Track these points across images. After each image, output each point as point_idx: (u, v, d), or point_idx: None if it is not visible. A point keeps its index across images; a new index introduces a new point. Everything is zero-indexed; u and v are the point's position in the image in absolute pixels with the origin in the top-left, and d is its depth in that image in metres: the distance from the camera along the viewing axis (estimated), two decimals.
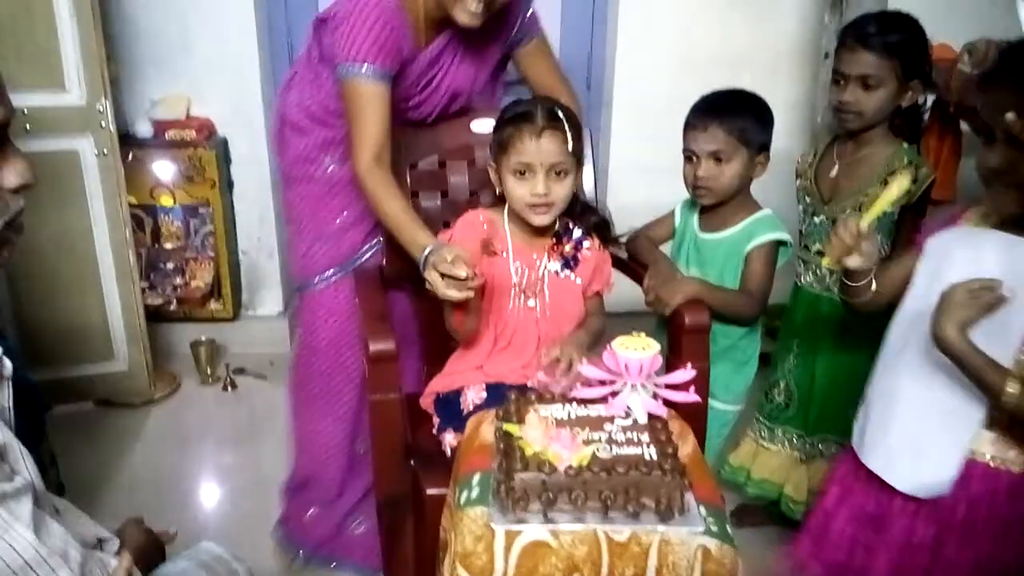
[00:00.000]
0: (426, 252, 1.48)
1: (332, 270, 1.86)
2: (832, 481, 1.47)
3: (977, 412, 1.24)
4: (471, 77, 1.80)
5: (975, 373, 1.18)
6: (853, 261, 1.35)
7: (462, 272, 1.39)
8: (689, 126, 1.70)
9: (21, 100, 2.27)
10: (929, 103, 2.18)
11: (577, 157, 1.55)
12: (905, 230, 1.77)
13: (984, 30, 2.32)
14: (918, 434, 1.29)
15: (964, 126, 2.37)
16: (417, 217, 1.61)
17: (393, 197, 1.62)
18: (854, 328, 1.80)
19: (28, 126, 2.28)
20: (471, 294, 1.42)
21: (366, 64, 1.59)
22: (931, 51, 1.82)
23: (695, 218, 1.80)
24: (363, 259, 1.87)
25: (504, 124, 1.56)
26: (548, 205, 1.53)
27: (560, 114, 1.52)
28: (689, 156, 1.70)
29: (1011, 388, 1.15)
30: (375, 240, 1.86)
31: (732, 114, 1.66)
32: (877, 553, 1.34)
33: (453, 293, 1.41)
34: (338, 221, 1.85)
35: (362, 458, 1.95)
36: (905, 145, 1.78)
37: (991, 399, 1.19)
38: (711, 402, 1.77)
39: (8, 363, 1.05)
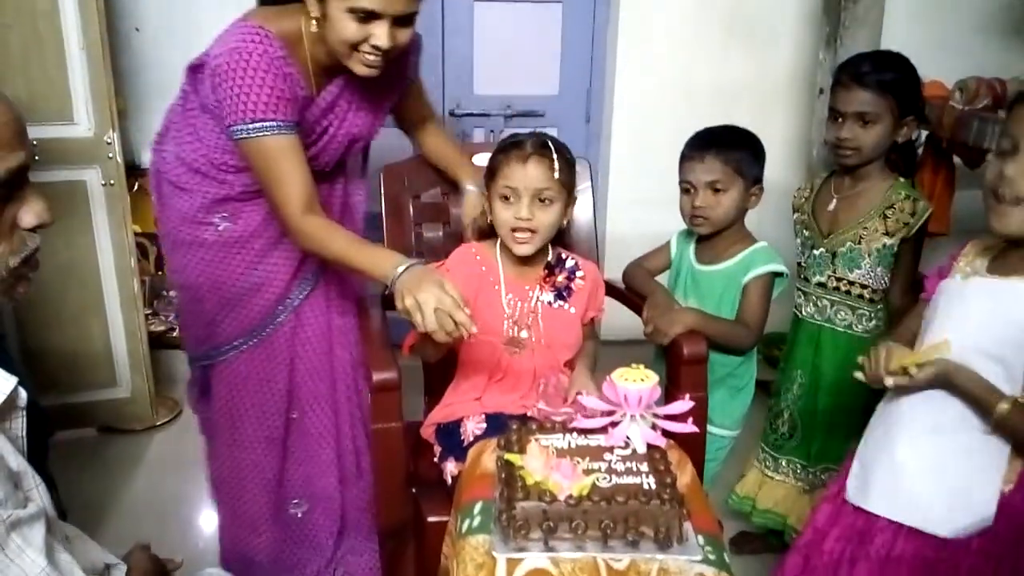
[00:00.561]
0: (400, 269, 1.41)
1: (241, 339, 1.73)
2: (824, 499, 1.48)
3: (1002, 445, 1.24)
4: (369, 122, 1.71)
5: (969, 391, 1.22)
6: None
7: (461, 316, 1.35)
8: (686, 158, 1.75)
9: (31, 132, 2.29)
10: (922, 139, 2.23)
11: (566, 187, 1.57)
12: (904, 261, 1.81)
13: (974, 68, 2.38)
14: (945, 478, 1.27)
15: (957, 160, 2.42)
16: (370, 242, 1.54)
17: (336, 233, 1.53)
18: (854, 359, 1.82)
19: (37, 157, 2.31)
20: (450, 340, 1.38)
21: (267, 121, 1.48)
22: (923, 88, 1.87)
23: (691, 250, 1.84)
24: (278, 322, 1.73)
25: (496, 152, 1.60)
26: (531, 232, 1.55)
27: (549, 143, 1.56)
28: (686, 187, 1.74)
29: (1003, 405, 1.18)
30: (290, 299, 1.73)
31: (728, 146, 1.70)
32: (859, 565, 1.35)
33: (441, 335, 1.36)
34: (242, 284, 1.69)
35: (301, 521, 1.85)
36: (901, 180, 1.82)
37: (984, 416, 1.21)
38: (713, 430, 1.81)
39: (24, 393, 1.07)
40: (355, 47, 1.48)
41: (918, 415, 1.30)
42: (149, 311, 2.95)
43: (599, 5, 3.10)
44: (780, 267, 1.74)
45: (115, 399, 2.68)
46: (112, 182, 2.49)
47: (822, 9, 2.66)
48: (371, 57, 1.49)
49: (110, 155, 2.45)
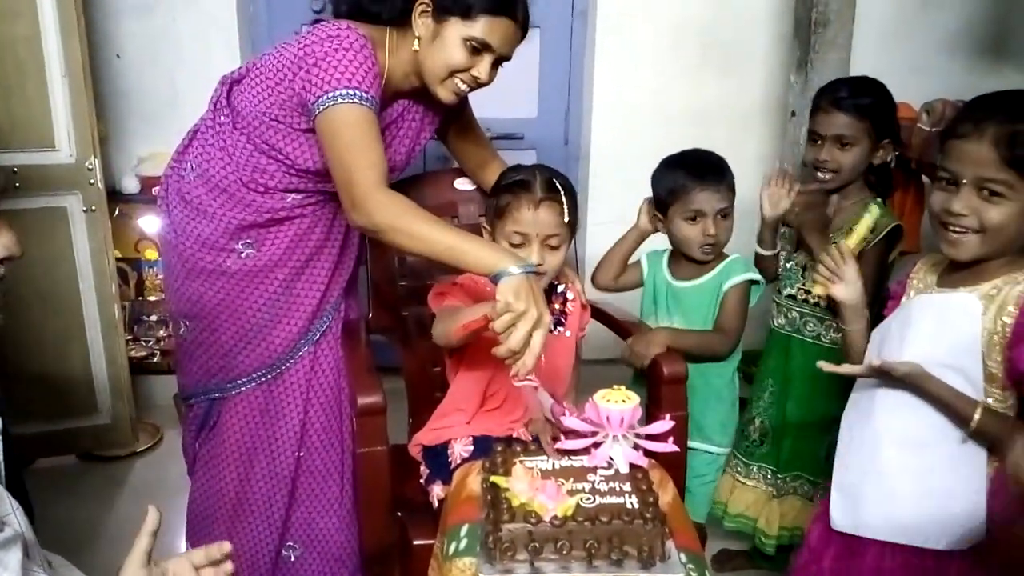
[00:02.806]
0: (522, 269, 1.31)
1: (260, 372, 1.70)
2: (816, 518, 1.50)
3: (980, 451, 1.26)
4: (407, 152, 1.72)
5: (941, 398, 1.24)
6: (839, 291, 1.43)
7: (532, 359, 1.28)
8: (695, 188, 1.77)
9: (12, 159, 2.33)
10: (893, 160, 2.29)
11: (572, 228, 1.57)
12: (861, 275, 1.85)
13: (941, 90, 2.45)
14: (933, 493, 1.29)
15: (925, 180, 2.48)
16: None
17: (431, 219, 1.39)
18: (822, 371, 1.87)
19: (18, 183, 2.32)
20: (503, 359, 1.31)
21: (360, 90, 1.44)
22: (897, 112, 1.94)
23: (664, 269, 1.89)
24: (299, 355, 1.71)
25: (503, 190, 1.57)
26: (539, 275, 1.54)
27: (558, 185, 1.54)
28: (694, 216, 1.78)
29: (976, 414, 1.21)
30: (312, 332, 1.71)
31: (727, 171, 1.79)
32: None
33: (504, 350, 1.28)
34: (263, 315, 1.66)
35: (292, 566, 1.80)
36: (877, 200, 1.87)
37: (960, 425, 1.24)
38: (707, 447, 1.86)
39: None
40: (454, 73, 1.52)
41: (894, 431, 1.32)
42: (130, 337, 2.94)
43: (576, 29, 3.14)
44: (756, 275, 1.82)
45: (96, 425, 2.67)
46: (93, 208, 2.48)
47: (793, 33, 2.73)
48: (463, 86, 1.55)
49: (91, 181, 2.45)
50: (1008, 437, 1.17)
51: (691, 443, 1.83)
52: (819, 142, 1.84)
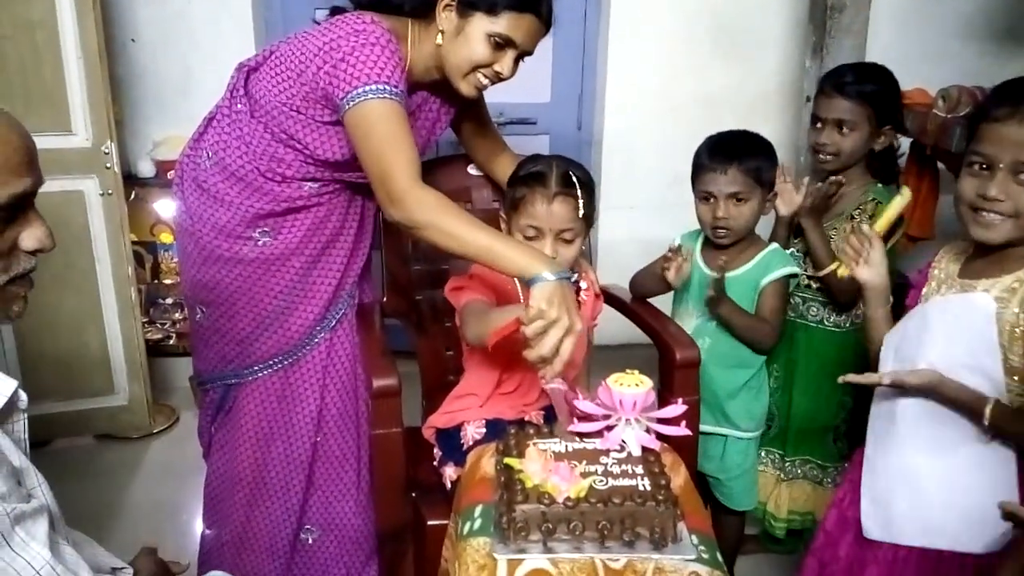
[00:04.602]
0: (557, 276, 1.33)
1: (277, 359, 1.71)
2: (832, 505, 1.51)
3: (1008, 452, 1.26)
4: (423, 143, 1.72)
5: (957, 398, 1.24)
6: (864, 273, 1.40)
7: (559, 366, 1.32)
8: (706, 168, 1.76)
9: None
10: (905, 147, 2.28)
11: (588, 220, 1.56)
12: None
13: (956, 76, 2.44)
14: (964, 496, 1.28)
15: (941, 166, 2.47)
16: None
17: (454, 206, 1.42)
18: (827, 355, 1.90)
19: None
20: (532, 363, 1.34)
21: (390, 85, 1.44)
22: (903, 99, 1.93)
23: (699, 255, 1.86)
24: (315, 342, 1.71)
25: (518, 182, 1.57)
26: (574, 283, 1.55)
27: (574, 179, 1.52)
28: (706, 197, 1.76)
29: (988, 409, 1.21)
30: (328, 319, 1.72)
31: (747, 156, 1.73)
32: (869, 568, 1.37)
33: (535, 355, 1.31)
34: (280, 302, 1.67)
35: (310, 548, 1.81)
36: (879, 185, 1.88)
37: (977, 423, 1.23)
38: (739, 434, 1.86)
39: (24, 395, 1.09)
40: (476, 68, 1.53)
41: (919, 439, 1.31)
42: (146, 319, 2.97)
43: (590, 15, 3.13)
44: (796, 269, 1.81)
45: (112, 407, 2.70)
46: (110, 192, 2.51)
47: (808, 18, 2.71)
48: (485, 81, 1.55)
49: (108, 165, 2.48)
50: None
51: (720, 430, 1.85)
52: (820, 125, 1.85)
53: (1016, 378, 1.23)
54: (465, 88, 1.56)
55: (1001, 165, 1.19)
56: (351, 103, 1.44)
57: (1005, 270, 1.24)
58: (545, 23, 1.54)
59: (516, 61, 1.55)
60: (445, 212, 1.40)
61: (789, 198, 1.85)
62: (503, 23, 1.48)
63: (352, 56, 1.44)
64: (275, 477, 1.76)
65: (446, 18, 1.53)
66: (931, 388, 1.26)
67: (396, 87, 1.45)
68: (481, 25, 1.49)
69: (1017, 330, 1.21)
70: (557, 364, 1.31)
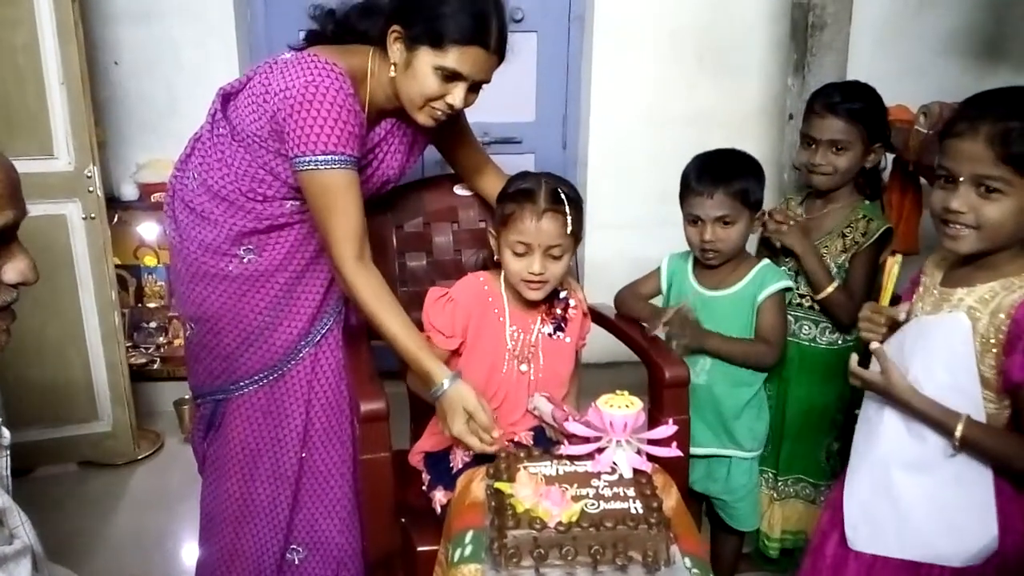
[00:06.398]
0: (445, 387, 1.46)
1: (262, 374, 1.72)
2: (827, 504, 1.52)
3: (984, 468, 1.26)
4: (401, 165, 1.74)
5: (927, 414, 1.26)
6: (875, 345, 1.39)
7: (495, 434, 1.44)
8: (693, 191, 1.75)
9: None
10: (888, 163, 2.30)
11: (576, 237, 1.57)
12: (853, 277, 1.85)
13: (937, 92, 2.46)
14: (944, 510, 1.29)
15: (923, 181, 2.49)
16: (421, 336, 1.55)
17: (391, 310, 1.52)
18: (819, 372, 1.90)
19: None
20: (488, 449, 1.44)
21: (336, 155, 1.48)
22: (889, 113, 1.94)
23: (690, 275, 1.86)
24: (299, 357, 1.73)
25: (508, 199, 1.57)
26: (542, 283, 1.56)
27: (563, 196, 1.53)
28: (694, 220, 1.76)
29: (960, 426, 1.22)
30: (312, 335, 1.74)
31: (734, 178, 1.73)
32: (850, 566, 1.37)
33: (475, 442, 1.44)
34: (265, 318, 1.69)
35: (297, 569, 1.81)
36: (867, 202, 1.89)
37: (947, 435, 1.25)
38: (743, 455, 1.85)
39: (7, 432, 1.08)
40: (429, 101, 1.53)
41: (899, 456, 1.32)
42: (129, 343, 2.94)
43: (574, 33, 3.15)
44: (789, 282, 1.81)
45: (96, 433, 2.67)
46: (93, 216, 2.49)
47: (790, 37, 2.74)
48: (440, 113, 1.55)
49: (90, 189, 2.46)
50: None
51: (726, 452, 1.84)
52: (813, 146, 1.85)
53: (991, 389, 1.24)
54: (422, 119, 1.57)
55: (962, 179, 1.23)
56: (299, 167, 1.50)
57: (981, 279, 1.27)
58: (495, 53, 1.53)
59: (472, 90, 1.56)
60: (371, 298, 1.51)
61: (779, 235, 1.86)
62: (450, 57, 1.48)
63: (303, 118, 1.47)
64: (262, 493, 1.76)
65: (397, 50, 1.53)
66: (905, 402, 1.28)
67: (344, 154, 1.49)
68: (427, 59, 1.49)
69: (990, 341, 1.23)
70: (487, 442, 1.44)
